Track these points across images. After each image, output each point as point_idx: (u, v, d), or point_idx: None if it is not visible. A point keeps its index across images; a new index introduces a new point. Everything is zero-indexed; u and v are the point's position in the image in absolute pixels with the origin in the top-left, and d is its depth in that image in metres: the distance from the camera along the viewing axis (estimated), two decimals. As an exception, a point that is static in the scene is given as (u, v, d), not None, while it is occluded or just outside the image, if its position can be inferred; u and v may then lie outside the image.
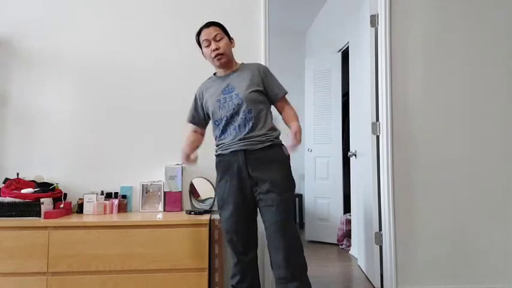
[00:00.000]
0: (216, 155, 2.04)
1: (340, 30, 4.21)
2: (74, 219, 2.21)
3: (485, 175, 2.68)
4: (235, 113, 1.95)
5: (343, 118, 4.37)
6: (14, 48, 2.61)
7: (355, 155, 3.54)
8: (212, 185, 2.50)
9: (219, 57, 1.99)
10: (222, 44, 2.00)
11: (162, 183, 2.53)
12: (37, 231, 2.11)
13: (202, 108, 2.11)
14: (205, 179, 2.51)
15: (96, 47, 2.65)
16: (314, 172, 4.48)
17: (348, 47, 4.03)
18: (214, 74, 2.14)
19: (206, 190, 2.51)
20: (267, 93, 2.04)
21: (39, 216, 2.19)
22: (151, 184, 2.54)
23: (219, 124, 2.01)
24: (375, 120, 2.84)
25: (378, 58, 2.77)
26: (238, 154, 1.92)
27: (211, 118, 2.07)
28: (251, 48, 2.63)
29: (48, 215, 2.20)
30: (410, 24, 2.73)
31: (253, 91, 1.96)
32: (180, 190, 2.53)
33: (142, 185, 2.53)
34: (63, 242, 2.10)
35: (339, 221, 4.22)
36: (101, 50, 2.65)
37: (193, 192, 2.53)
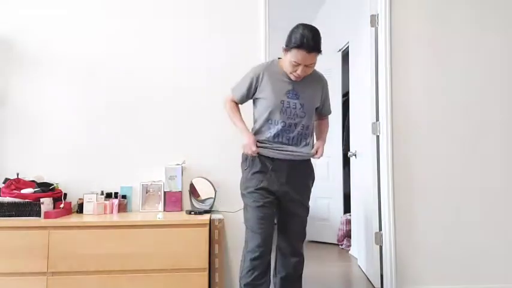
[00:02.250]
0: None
1: (340, 30, 4.20)
2: (74, 219, 2.22)
3: (486, 175, 2.68)
4: (294, 124, 1.96)
5: (343, 118, 4.37)
6: (14, 49, 2.61)
7: (355, 155, 3.53)
8: (212, 185, 2.50)
9: (298, 78, 1.94)
10: (309, 70, 1.94)
11: (162, 183, 2.53)
12: (37, 231, 2.11)
13: (255, 91, 2.02)
14: (205, 179, 2.51)
15: (96, 47, 2.65)
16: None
17: (348, 47, 4.03)
18: (279, 58, 2.03)
19: (206, 190, 2.51)
20: (317, 107, 2.08)
21: (39, 216, 2.19)
22: (151, 184, 2.53)
23: (272, 124, 1.96)
24: (374, 120, 2.84)
25: (378, 58, 2.77)
26: (284, 163, 1.96)
27: (264, 114, 1.97)
28: (251, 48, 2.62)
29: (48, 215, 2.20)
30: (410, 24, 2.73)
31: (315, 107, 2.02)
32: (180, 190, 2.53)
33: (142, 185, 2.53)
34: (63, 242, 2.10)
35: (339, 221, 4.22)
36: (101, 50, 2.65)
37: (193, 192, 2.53)
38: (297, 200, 2.02)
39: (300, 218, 2.05)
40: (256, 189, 1.95)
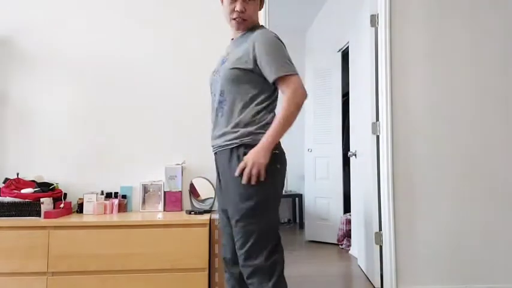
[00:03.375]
0: None
1: (340, 30, 4.21)
2: (74, 219, 2.21)
3: (486, 175, 2.68)
4: (214, 94, 1.66)
5: (343, 118, 4.37)
6: (13, 48, 2.61)
7: (355, 155, 3.54)
8: (212, 185, 2.50)
9: (238, 20, 1.59)
10: (249, 7, 1.59)
11: (162, 183, 2.53)
12: (37, 231, 2.11)
13: None
14: (205, 179, 2.51)
15: (96, 46, 2.65)
16: (314, 172, 4.47)
17: (348, 47, 4.03)
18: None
19: (206, 190, 2.51)
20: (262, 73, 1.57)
21: (39, 216, 2.19)
22: (151, 184, 2.54)
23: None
24: (374, 120, 2.84)
25: (378, 58, 2.77)
26: (216, 159, 1.65)
27: None
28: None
29: (48, 215, 2.20)
30: (411, 23, 2.73)
31: (235, 68, 1.55)
32: (180, 190, 2.53)
33: (143, 185, 2.53)
34: (63, 242, 2.10)
35: (339, 221, 4.22)
36: (101, 50, 2.65)
37: (193, 192, 2.53)
38: (227, 198, 1.60)
39: (231, 221, 1.56)
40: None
